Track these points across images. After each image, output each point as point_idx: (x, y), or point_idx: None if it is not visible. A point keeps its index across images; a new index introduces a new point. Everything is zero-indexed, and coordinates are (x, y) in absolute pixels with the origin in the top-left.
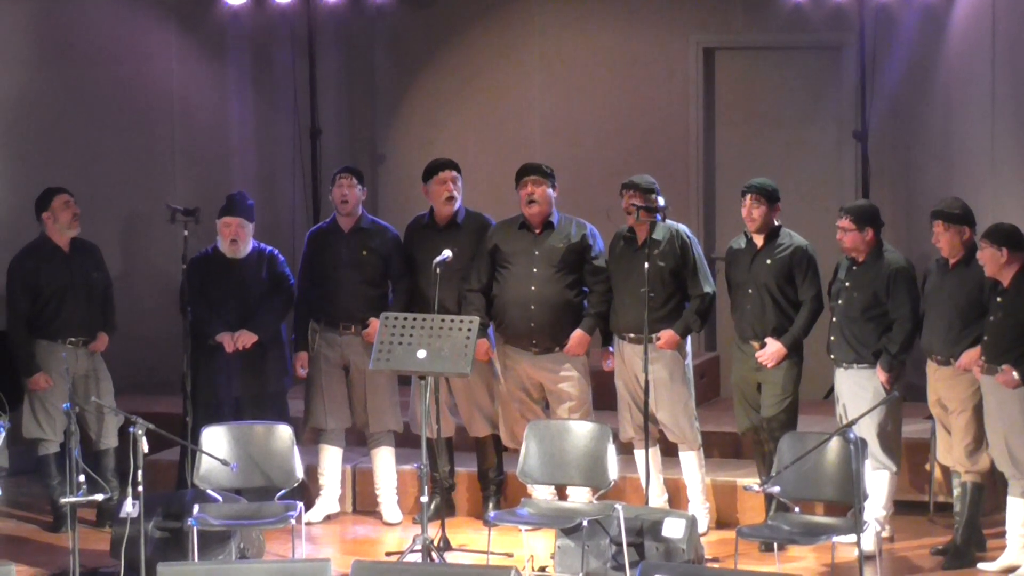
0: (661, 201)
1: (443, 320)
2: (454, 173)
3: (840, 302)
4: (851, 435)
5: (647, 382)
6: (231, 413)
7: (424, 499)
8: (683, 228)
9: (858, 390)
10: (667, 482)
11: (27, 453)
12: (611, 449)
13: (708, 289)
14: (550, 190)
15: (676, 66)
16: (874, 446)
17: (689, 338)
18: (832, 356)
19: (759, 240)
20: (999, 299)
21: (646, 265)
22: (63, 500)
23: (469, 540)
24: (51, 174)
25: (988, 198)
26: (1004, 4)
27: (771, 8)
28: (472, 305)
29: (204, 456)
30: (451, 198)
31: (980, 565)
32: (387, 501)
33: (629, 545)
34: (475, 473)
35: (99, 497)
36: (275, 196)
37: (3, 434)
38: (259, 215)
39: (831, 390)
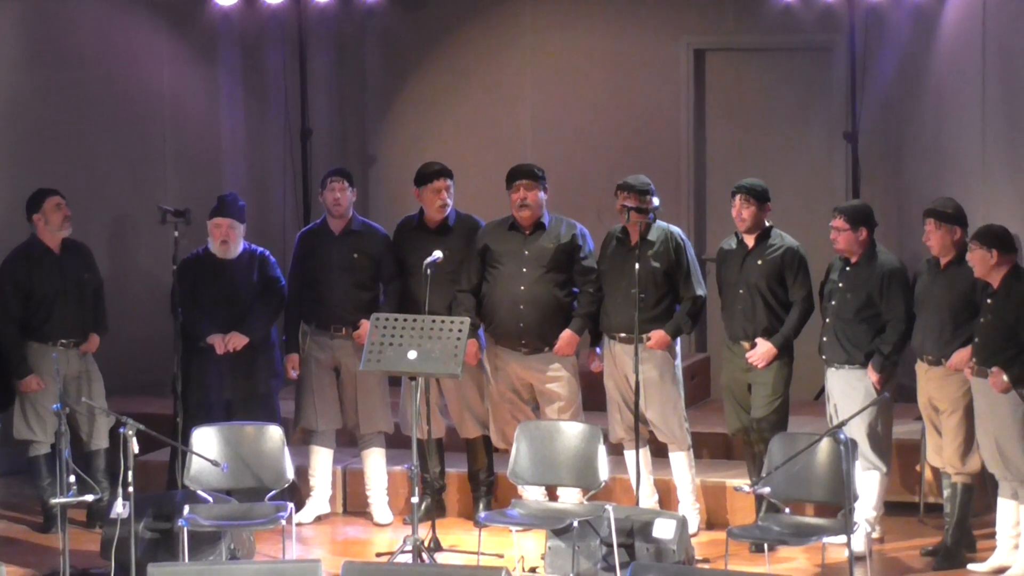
0: (655, 202)
1: (434, 321)
2: (448, 182)
3: (833, 303)
4: (842, 436)
5: (637, 383)
6: (221, 414)
7: (415, 500)
8: (676, 230)
9: (849, 391)
10: (657, 483)
11: (18, 454)
12: (602, 450)
13: (700, 292)
14: (541, 193)
15: (667, 67)
16: (864, 447)
17: (679, 339)
18: (824, 356)
19: (750, 241)
20: (988, 301)
21: (637, 266)
22: (53, 501)
23: (459, 541)
24: (41, 175)
25: (979, 199)
26: (994, 5)
27: (761, 9)
28: (462, 305)
29: (194, 457)
30: (444, 206)
31: (970, 566)
32: (378, 502)
33: (619, 546)
34: (465, 474)
35: (89, 498)
36: (266, 197)
37: None
38: (250, 216)
39: (822, 391)
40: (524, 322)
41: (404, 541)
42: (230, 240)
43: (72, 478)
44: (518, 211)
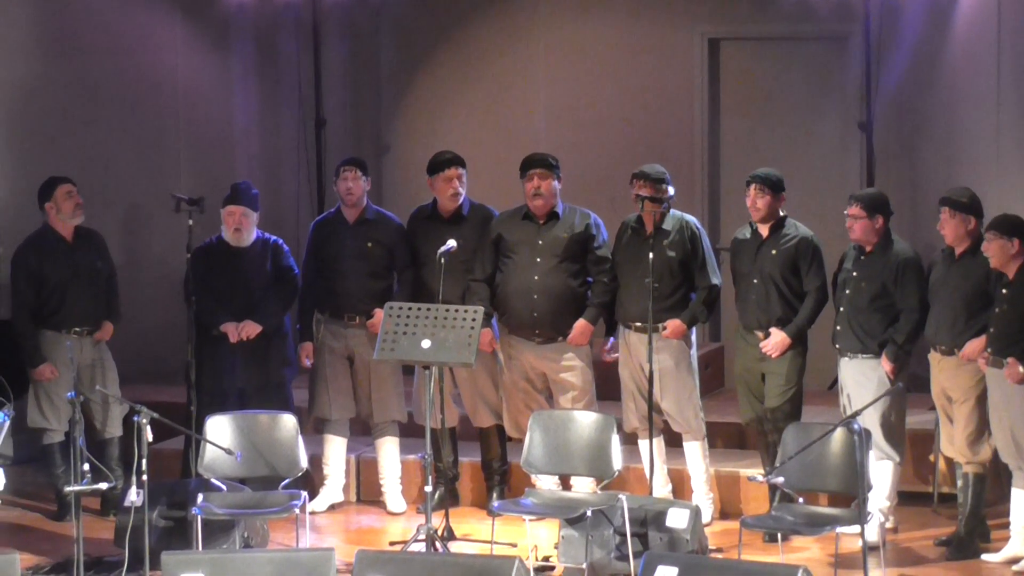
0: (671, 191)
1: (447, 310)
2: (460, 171)
3: (847, 292)
4: (855, 426)
5: (651, 372)
6: (235, 403)
7: (428, 489)
8: (692, 219)
9: (863, 380)
10: (671, 472)
11: (31, 442)
12: (615, 439)
13: (715, 281)
14: (555, 183)
15: (681, 57)
16: (878, 436)
17: (695, 328)
18: (837, 346)
19: (764, 230)
20: (1004, 291)
21: (651, 255)
22: (67, 489)
23: (473, 530)
24: (55, 164)
25: (993, 189)
26: None
27: None
28: (476, 295)
29: (208, 445)
30: (456, 194)
31: (984, 556)
32: (391, 491)
33: (633, 535)
34: (479, 463)
35: (103, 486)
36: (279, 186)
37: (7, 423)
38: (263, 205)
39: (835, 381)
40: (538, 312)
41: (417, 530)
42: (243, 228)
43: (86, 466)
44: (532, 200)
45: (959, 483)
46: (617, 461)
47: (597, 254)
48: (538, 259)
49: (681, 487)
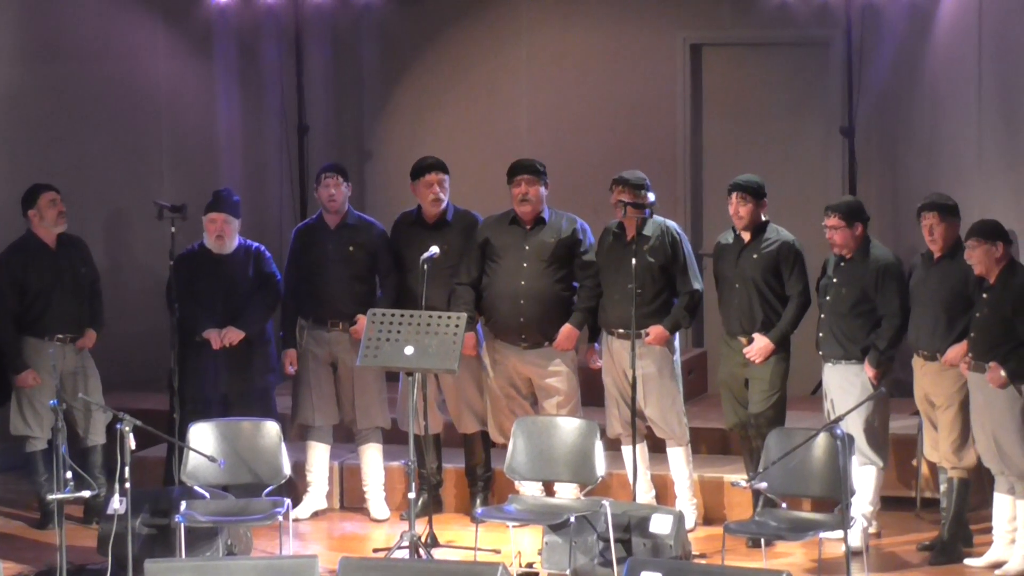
0: (651, 197)
1: (431, 316)
2: (441, 175)
3: (828, 298)
4: (838, 431)
5: (634, 378)
6: (218, 410)
7: (412, 495)
8: (672, 224)
9: (846, 386)
10: (654, 478)
11: (14, 450)
12: (598, 445)
13: (697, 286)
14: (542, 188)
15: (663, 62)
16: (861, 442)
17: (678, 334)
18: (820, 352)
19: (746, 235)
20: (984, 295)
21: (633, 261)
22: (50, 497)
23: (457, 536)
24: (38, 171)
25: (975, 193)
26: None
27: (758, 4)
28: (461, 298)
29: (191, 452)
30: (437, 200)
31: (967, 560)
32: (374, 497)
33: (616, 541)
34: (463, 469)
35: (86, 494)
36: (263, 193)
37: None
38: (246, 212)
39: (819, 386)
40: (524, 317)
41: (401, 537)
42: (225, 235)
43: (69, 474)
44: (519, 206)
45: (942, 488)
46: (600, 467)
47: (583, 259)
48: (524, 264)
49: (664, 493)
